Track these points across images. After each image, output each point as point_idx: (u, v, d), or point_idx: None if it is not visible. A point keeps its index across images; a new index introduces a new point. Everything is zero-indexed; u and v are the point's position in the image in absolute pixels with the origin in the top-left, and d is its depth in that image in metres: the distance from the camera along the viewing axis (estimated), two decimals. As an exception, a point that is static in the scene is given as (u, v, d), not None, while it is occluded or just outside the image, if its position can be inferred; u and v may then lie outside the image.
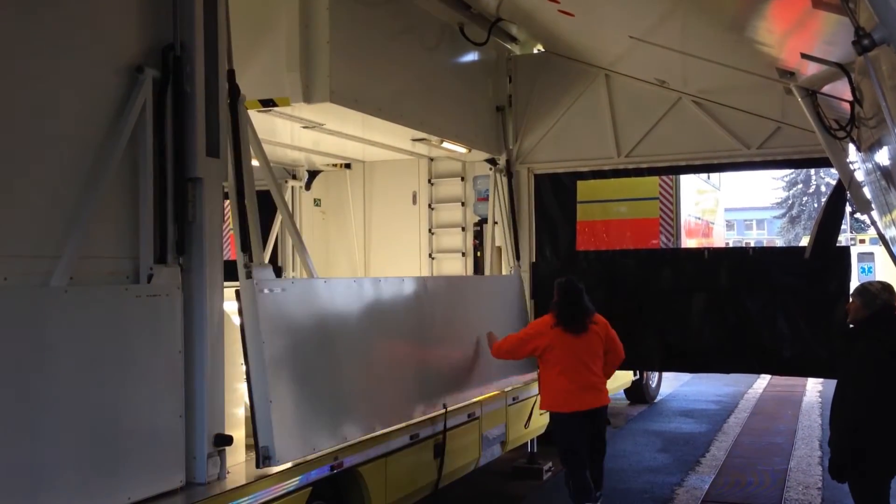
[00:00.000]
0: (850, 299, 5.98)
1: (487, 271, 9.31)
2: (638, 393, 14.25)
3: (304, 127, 7.40)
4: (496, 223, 9.28)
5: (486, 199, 9.51)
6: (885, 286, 5.89)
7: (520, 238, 9.39)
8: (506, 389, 8.43)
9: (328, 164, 10.05)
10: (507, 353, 7.44)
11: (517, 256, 9.26)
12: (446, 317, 7.51)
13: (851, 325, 5.93)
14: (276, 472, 5.04)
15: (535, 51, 9.72)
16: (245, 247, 5.08)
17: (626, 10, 7.31)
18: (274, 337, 5.12)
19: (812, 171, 50.06)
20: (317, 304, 5.73)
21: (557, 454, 7.27)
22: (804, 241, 17.39)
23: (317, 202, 10.26)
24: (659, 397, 14.99)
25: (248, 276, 5.03)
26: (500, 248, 9.46)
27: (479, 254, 9.73)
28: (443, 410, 6.96)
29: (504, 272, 9.38)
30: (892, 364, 5.53)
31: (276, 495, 4.97)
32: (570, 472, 7.10)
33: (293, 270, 9.68)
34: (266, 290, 5.13)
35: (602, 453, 7.39)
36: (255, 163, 5.51)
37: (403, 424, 6.50)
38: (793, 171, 50.46)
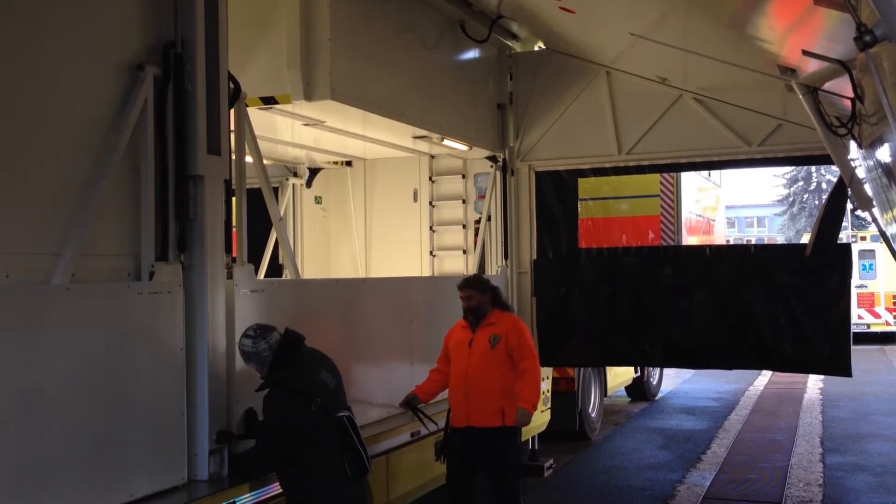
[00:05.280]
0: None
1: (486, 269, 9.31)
2: (639, 390, 14.27)
3: (304, 124, 7.40)
4: (489, 220, 9.27)
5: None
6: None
7: (520, 236, 9.38)
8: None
9: (329, 162, 10.04)
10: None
11: (505, 255, 9.26)
12: (426, 317, 7.47)
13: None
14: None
15: (536, 48, 9.71)
16: (228, 246, 5.06)
17: (626, 6, 7.31)
18: None
19: (813, 168, 50.01)
20: (297, 306, 5.72)
21: (521, 478, 6.62)
22: (805, 239, 17.38)
23: (318, 200, 10.25)
24: (660, 394, 15.01)
25: (229, 276, 5.02)
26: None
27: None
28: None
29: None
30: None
31: (278, 492, 4.97)
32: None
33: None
34: (245, 291, 5.13)
35: None
36: (248, 159, 5.51)
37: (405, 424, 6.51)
38: (794, 168, 50.41)
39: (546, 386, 9.58)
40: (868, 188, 7.27)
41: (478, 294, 6.44)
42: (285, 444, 4.72)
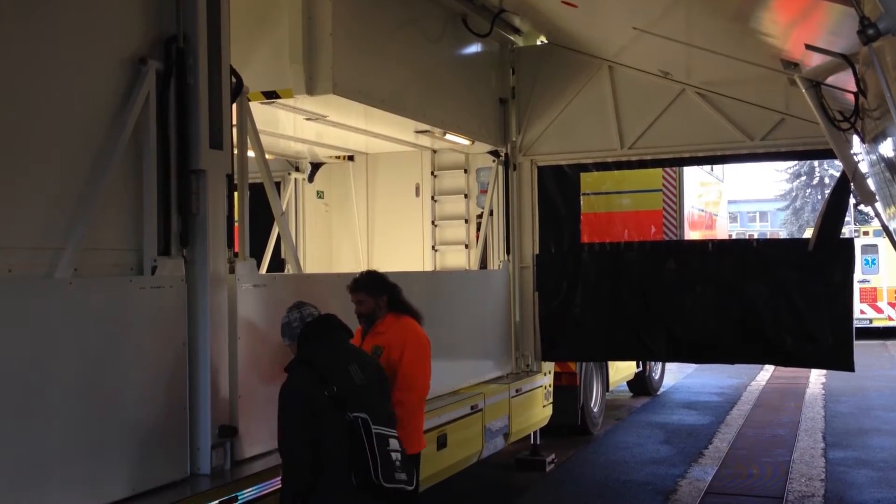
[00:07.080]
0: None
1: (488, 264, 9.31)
2: (641, 385, 14.27)
3: (307, 119, 7.40)
4: (491, 214, 9.26)
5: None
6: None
7: (522, 231, 9.37)
8: (511, 383, 8.46)
9: (331, 157, 10.05)
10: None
11: (508, 250, 9.25)
12: (427, 311, 7.41)
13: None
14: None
15: (539, 42, 9.69)
16: (230, 241, 5.05)
17: (629, 0, 7.29)
18: (250, 333, 5.11)
19: (816, 162, 49.98)
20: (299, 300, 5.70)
21: None
22: (808, 233, 17.35)
23: (320, 194, 10.26)
24: (662, 389, 15.01)
25: (231, 270, 5.01)
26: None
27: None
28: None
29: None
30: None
31: (279, 486, 4.97)
32: None
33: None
34: (247, 286, 5.13)
35: None
36: (250, 154, 5.51)
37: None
38: (796, 162, 50.38)
39: (548, 381, 9.59)
40: (871, 183, 7.26)
41: (369, 297, 5.29)
42: (307, 426, 4.22)
